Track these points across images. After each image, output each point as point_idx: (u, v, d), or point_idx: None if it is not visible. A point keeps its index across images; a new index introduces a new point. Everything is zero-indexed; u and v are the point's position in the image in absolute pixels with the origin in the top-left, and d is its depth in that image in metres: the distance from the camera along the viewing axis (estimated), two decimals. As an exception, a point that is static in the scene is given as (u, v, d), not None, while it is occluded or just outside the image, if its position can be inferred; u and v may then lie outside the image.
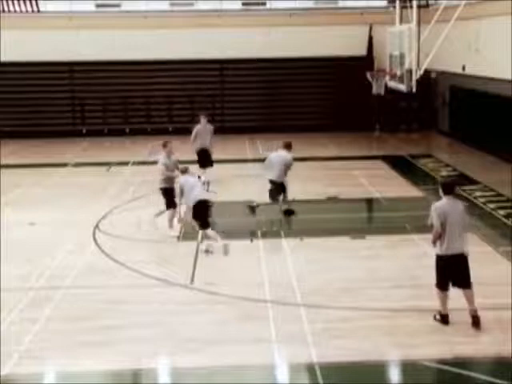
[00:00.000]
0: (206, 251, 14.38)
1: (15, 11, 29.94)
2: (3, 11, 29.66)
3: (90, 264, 13.74)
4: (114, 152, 27.08)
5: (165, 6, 31.02)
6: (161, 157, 16.00)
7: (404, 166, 23.25)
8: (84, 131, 31.19)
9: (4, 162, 23.87)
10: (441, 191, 10.78)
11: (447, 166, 23.14)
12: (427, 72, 23.74)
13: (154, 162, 23.09)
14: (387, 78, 23.57)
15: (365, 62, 29.94)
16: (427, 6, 26.33)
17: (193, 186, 14.68)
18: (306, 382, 9.36)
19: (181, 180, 14.84)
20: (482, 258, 13.69)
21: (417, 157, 24.74)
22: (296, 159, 24.46)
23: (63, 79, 31.16)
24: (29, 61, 30.09)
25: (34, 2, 30.01)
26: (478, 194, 18.90)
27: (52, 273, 13.22)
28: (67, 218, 17.09)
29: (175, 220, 15.58)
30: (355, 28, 30.45)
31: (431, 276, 10.99)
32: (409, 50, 20.62)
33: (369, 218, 18.34)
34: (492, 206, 17.61)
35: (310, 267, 13.39)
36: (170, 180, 15.68)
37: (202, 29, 30.09)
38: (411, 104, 30.45)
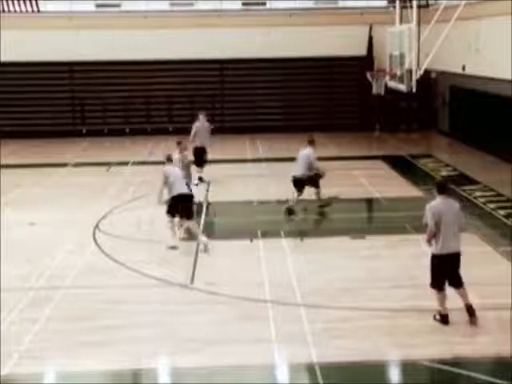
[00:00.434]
0: (204, 246, 14.42)
1: (15, 11, 29.94)
2: (3, 11, 29.66)
3: (90, 264, 13.74)
4: (114, 152, 27.08)
5: (165, 6, 31.02)
6: (175, 155, 16.01)
7: (404, 166, 23.25)
8: (84, 131, 31.19)
9: (4, 162, 23.87)
10: (435, 191, 10.91)
11: (447, 165, 23.14)
12: (427, 72, 23.75)
13: (155, 162, 23.13)
14: (387, 77, 23.57)
15: (365, 62, 29.94)
16: (427, 5, 26.33)
17: (176, 177, 14.76)
18: (305, 382, 9.37)
19: (166, 169, 14.90)
20: (482, 258, 13.72)
21: (417, 157, 24.74)
22: (295, 159, 24.47)
23: (63, 79, 31.16)
24: (29, 61, 30.08)
25: (33, 2, 30.01)
26: (477, 193, 18.90)
27: (52, 273, 13.22)
28: (67, 218, 17.09)
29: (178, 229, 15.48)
30: (355, 28, 30.44)
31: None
32: (409, 50, 20.62)
33: (369, 218, 18.34)
34: (492, 205, 17.61)
35: (310, 267, 13.39)
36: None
37: (202, 29, 30.09)
38: (411, 104, 30.45)
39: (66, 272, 13.21)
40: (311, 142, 17.81)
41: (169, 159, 15.24)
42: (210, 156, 21.22)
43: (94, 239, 15.37)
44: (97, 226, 16.30)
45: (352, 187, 20.00)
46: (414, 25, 20.42)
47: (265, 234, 15.51)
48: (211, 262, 13.90)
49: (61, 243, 15.04)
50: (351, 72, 30.67)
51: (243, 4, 31.50)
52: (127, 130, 31.04)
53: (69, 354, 9.96)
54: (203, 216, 17.28)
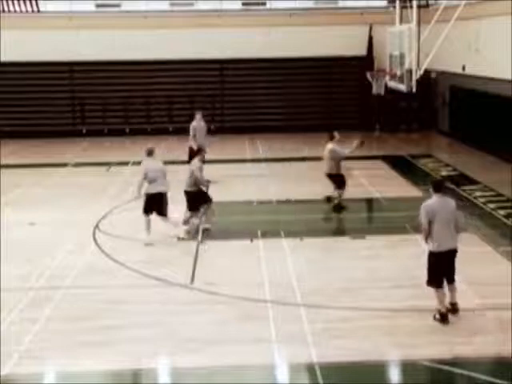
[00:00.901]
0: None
1: (15, 11, 29.94)
2: (3, 11, 29.66)
3: (90, 264, 13.74)
4: (114, 152, 27.08)
5: (165, 6, 31.02)
6: (196, 160, 15.95)
7: (404, 166, 23.25)
8: (84, 131, 31.19)
9: (4, 162, 23.87)
10: (431, 190, 11.00)
11: (447, 165, 23.14)
12: (427, 72, 23.74)
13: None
14: (387, 77, 23.57)
15: (365, 62, 29.94)
16: (427, 5, 26.33)
17: (156, 174, 14.91)
18: (305, 382, 9.37)
19: (147, 164, 15.07)
20: (482, 258, 13.72)
21: (417, 157, 24.74)
22: (296, 159, 24.52)
23: (63, 79, 31.16)
24: (29, 61, 30.08)
25: (33, 2, 30.01)
26: (478, 194, 18.90)
27: (52, 273, 13.22)
28: (67, 217, 17.09)
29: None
30: (355, 28, 30.44)
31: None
32: (409, 50, 20.61)
33: (369, 218, 18.34)
34: (492, 205, 17.61)
35: (310, 267, 13.39)
36: (197, 183, 15.73)
37: (202, 29, 30.09)
38: (411, 104, 30.44)
39: (66, 272, 13.22)
40: (331, 138, 18.04)
41: (149, 153, 15.29)
42: (210, 156, 21.20)
43: (94, 239, 15.37)
44: (97, 226, 16.30)
45: (352, 187, 19.93)
46: (414, 25, 20.41)
47: (265, 234, 15.50)
48: (211, 262, 13.90)
49: (61, 243, 15.04)
50: (351, 72, 30.66)
51: (243, 4, 31.50)
52: (127, 130, 31.04)
53: (69, 354, 9.96)
54: (203, 216, 17.27)
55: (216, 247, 14.87)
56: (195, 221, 15.82)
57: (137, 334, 10.51)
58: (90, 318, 11.15)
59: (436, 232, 10.64)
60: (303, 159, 24.38)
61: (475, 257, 13.63)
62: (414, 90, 20.75)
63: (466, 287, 11.98)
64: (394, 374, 9.71)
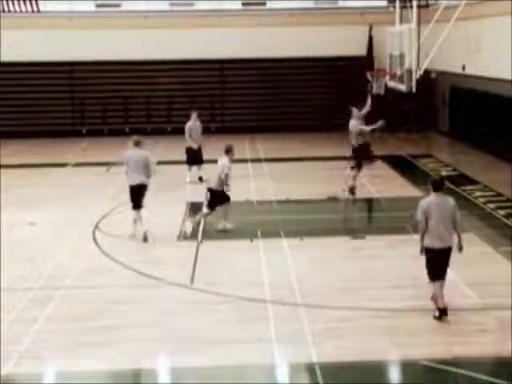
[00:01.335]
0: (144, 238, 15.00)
1: (15, 11, 29.93)
2: (3, 11, 29.65)
3: (90, 264, 13.74)
4: (114, 152, 27.04)
5: (165, 6, 31.02)
6: (225, 160, 15.96)
7: (404, 166, 23.25)
8: (84, 131, 31.19)
9: (4, 162, 23.85)
10: (430, 188, 11.09)
11: (447, 165, 23.14)
12: (427, 72, 23.75)
13: (156, 162, 23.07)
14: (387, 77, 23.58)
15: (365, 62, 29.93)
16: (427, 5, 26.33)
17: (137, 164, 15.00)
18: (305, 382, 9.37)
19: (129, 154, 15.21)
20: (482, 258, 13.72)
21: (417, 157, 24.73)
22: (296, 159, 24.53)
23: (63, 79, 31.16)
24: (29, 61, 30.09)
25: (33, 2, 30.00)
26: (478, 194, 18.91)
27: (52, 273, 13.22)
28: (67, 217, 17.09)
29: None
30: (355, 28, 30.44)
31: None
32: (409, 50, 20.64)
33: (369, 218, 18.34)
34: (492, 205, 17.61)
35: (310, 267, 13.39)
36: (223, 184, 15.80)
37: (202, 29, 30.09)
38: (411, 104, 30.42)
39: (66, 272, 13.21)
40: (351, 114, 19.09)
41: (136, 144, 15.34)
42: (210, 156, 21.21)
43: (94, 239, 15.37)
44: (97, 226, 16.30)
45: (352, 187, 19.99)
46: (414, 25, 20.44)
47: (265, 234, 15.50)
48: (211, 262, 13.90)
49: (61, 243, 15.04)
50: (351, 72, 30.64)
51: (243, 4, 31.51)
52: (127, 130, 31.02)
53: (69, 354, 9.96)
54: (203, 216, 17.29)
55: (216, 247, 14.87)
56: (198, 216, 15.89)
57: (137, 334, 10.51)
58: (90, 318, 11.15)
59: (431, 229, 10.77)
60: (303, 159, 24.38)
61: (475, 257, 13.63)
62: (414, 89, 20.77)
63: (466, 287, 11.99)
64: (394, 374, 9.70)
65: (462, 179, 20.80)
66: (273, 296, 11.89)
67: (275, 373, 9.52)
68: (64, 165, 24.34)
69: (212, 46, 30.34)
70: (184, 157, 21.19)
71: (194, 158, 20.87)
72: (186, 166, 21.07)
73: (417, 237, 11.31)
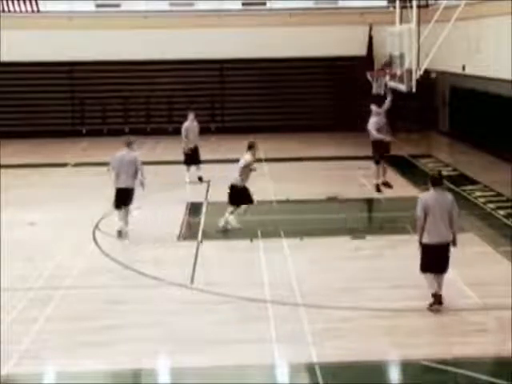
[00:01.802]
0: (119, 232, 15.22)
1: (15, 11, 29.94)
2: (3, 11, 29.66)
3: (90, 264, 13.73)
4: (114, 152, 26.97)
5: (165, 6, 31.02)
6: (247, 156, 16.11)
7: (404, 166, 23.23)
8: (84, 131, 31.19)
9: (4, 162, 23.84)
10: (429, 183, 11.26)
11: (447, 165, 23.14)
12: (427, 72, 23.73)
13: (154, 162, 23.12)
14: (387, 77, 23.57)
15: (365, 62, 29.93)
16: (427, 6, 26.33)
17: (123, 166, 15.23)
18: (305, 382, 9.36)
19: (117, 156, 15.45)
20: (482, 258, 13.72)
21: (417, 157, 24.73)
22: (296, 159, 24.54)
23: (63, 79, 31.17)
24: (29, 61, 30.09)
25: (33, 2, 30.01)
26: (478, 193, 18.90)
27: (52, 273, 13.22)
28: (67, 217, 17.09)
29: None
30: (355, 28, 30.44)
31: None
32: (409, 50, 20.63)
33: (369, 218, 18.35)
34: (492, 205, 17.61)
35: (310, 267, 13.39)
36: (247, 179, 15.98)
37: (202, 29, 30.08)
38: (411, 104, 30.40)
39: (66, 272, 13.21)
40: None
41: (127, 144, 15.56)
42: (210, 156, 21.25)
43: (94, 239, 15.37)
44: (96, 226, 16.29)
45: (352, 187, 20.00)
46: (413, 25, 20.43)
47: (265, 234, 15.50)
48: (211, 262, 13.90)
49: (61, 243, 15.04)
50: (351, 72, 30.65)
51: (243, 4, 31.51)
52: (127, 130, 31.01)
53: (69, 354, 9.95)
54: (203, 216, 17.31)
55: (216, 247, 14.87)
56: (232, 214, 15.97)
57: (137, 334, 10.50)
58: (90, 318, 11.15)
59: (429, 224, 10.95)
60: (303, 159, 24.38)
61: (475, 257, 13.65)
62: (414, 89, 20.76)
63: (466, 287, 12.00)
64: (394, 374, 9.70)
65: (462, 179, 20.80)
66: (273, 296, 11.89)
67: (275, 373, 9.52)
68: (64, 165, 24.34)
69: (212, 46, 30.34)
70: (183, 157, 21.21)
71: (191, 158, 20.89)
72: (185, 167, 21.08)
73: (417, 237, 11.33)
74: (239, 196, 15.86)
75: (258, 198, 18.71)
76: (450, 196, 11.23)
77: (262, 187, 20.08)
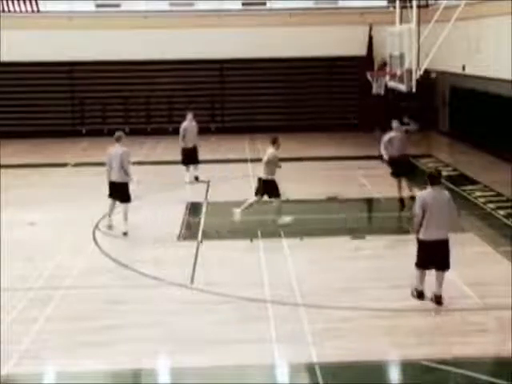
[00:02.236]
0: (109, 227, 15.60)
1: (15, 11, 29.93)
2: (3, 11, 29.65)
3: (90, 264, 13.73)
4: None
5: (165, 6, 31.00)
6: (271, 150, 16.21)
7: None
8: (84, 131, 31.20)
9: (4, 162, 23.85)
10: (428, 182, 11.38)
11: (447, 165, 23.13)
12: (427, 72, 23.73)
13: (154, 162, 23.14)
14: (387, 77, 23.58)
15: (365, 62, 29.93)
16: (427, 5, 26.33)
17: (111, 160, 15.59)
18: (305, 382, 9.36)
19: (110, 150, 15.68)
20: (482, 258, 13.72)
21: (417, 157, 24.70)
22: (296, 159, 24.54)
23: (63, 79, 31.17)
24: (29, 61, 30.09)
25: (33, 2, 30.00)
26: (478, 193, 18.90)
27: (52, 273, 13.22)
28: (67, 217, 17.09)
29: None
30: (355, 28, 30.43)
31: (431, 274, 11.24)
32: (409, 50, 20.63)
33: (369, 218, 18.34)
34: (492, 205, 17.61)
35: (310, 267, 13.39)
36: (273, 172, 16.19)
37: (202, 29, 30.08)
38: (411, 104, 30.41)
39: (66, 272, 13.21)
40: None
41: (116, 139, 15.81)
42: (210, 156, 21.24)
43: (94, 239, 15.37)
44: (96, 226, 16.29)
45: (352, 187, 20.01)
46: (413, 25, 20.43)
47: (265, 234, 15.50)
48: (211, 262, 13.89)
49: (61, 243, 15.04)
50: (351, 72, 30.66)
51: (243, 4, 31.49)
52: (127, 130, 30.98)
53: (69, 354, 9.95)
54: (203, 216, 17.30)
55: (216, 247, 14.86)
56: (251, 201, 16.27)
57: (137, 334, 10.50)
58: (90, 318, 11.15)
59: (427, 221, 11.12)
60: (303, 159, 24.37)
61: (475, 257, 13.65)
62: (414, 89, 20.76)
63: (466, 287, 12.00)
64: (394, 374, 9.70)
65: (462, 179, 20.80)
66: (273, 296, 11.88)
67: (275, 373, 9.52)
68: (64, 165, 24.33)
69: (212, 46, 30.33)
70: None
71: (189, 157, 20.88)
72: (184, 167, 21.07)
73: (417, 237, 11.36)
74: (265, 188, 16.13)
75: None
76: (447, 194, 11.37)
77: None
